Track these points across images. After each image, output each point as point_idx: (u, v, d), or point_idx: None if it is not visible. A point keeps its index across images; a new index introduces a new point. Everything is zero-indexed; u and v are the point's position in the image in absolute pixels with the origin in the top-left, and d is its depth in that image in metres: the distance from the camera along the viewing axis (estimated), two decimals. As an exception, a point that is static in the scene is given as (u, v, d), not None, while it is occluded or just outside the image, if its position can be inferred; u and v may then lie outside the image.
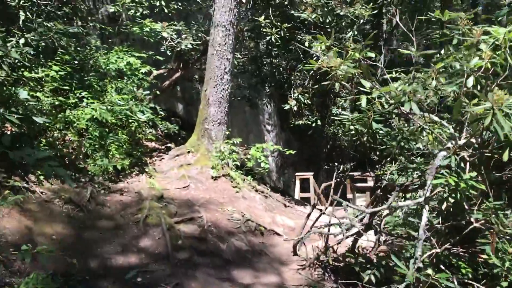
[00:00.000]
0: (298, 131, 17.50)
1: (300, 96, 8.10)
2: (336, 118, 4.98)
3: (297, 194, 14.21)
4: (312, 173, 14.39)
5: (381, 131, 4.30)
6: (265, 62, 9.27)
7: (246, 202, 6.70)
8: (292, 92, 8.38)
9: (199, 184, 6.81)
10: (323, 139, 19.14)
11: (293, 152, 7.70)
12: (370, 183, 12.57)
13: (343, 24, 7.91)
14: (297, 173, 14.75)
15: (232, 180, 7.19)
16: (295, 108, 8.12)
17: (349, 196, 13.96)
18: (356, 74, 3.88)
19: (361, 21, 8.11)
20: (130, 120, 6.40)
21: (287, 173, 17.10)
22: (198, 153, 7.69)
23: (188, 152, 7.76)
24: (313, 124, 10.17)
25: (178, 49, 9.19)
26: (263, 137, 15.46)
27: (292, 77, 8.65)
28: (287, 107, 8.19)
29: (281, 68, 8.91)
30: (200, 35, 9.26)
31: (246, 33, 9.20)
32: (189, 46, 8.83)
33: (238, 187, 7.04)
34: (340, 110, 9.84)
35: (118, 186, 6.00)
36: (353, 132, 4.35)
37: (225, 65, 7.73)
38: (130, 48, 7.69)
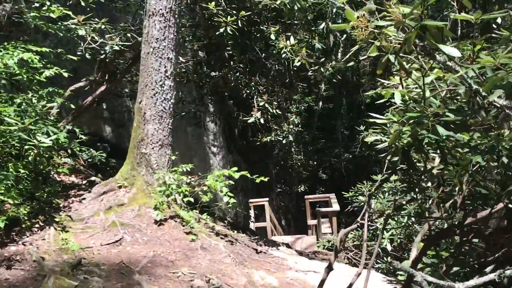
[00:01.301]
0: (245, 152, 15.74)
1: (267, 105, 6.32)
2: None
3: (253, 225, 12.33)
4: (267, 199, 12.60)
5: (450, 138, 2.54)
6: (215, 66, 7.40)
7: (208, 255, 4.70)
8: (255, 101, 6.57)
9: (138, 234, 4.72)
10: (272, 160, 17.53)
11: (265, 179, 5.84)
12: (335, 205, 10.93)
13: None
14: (250, 200, 12.89)
15: (183, 223, 5.17)
16: (262, 121, 6.33)
17: (310, 222, 12.29)
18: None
19: None
20: (27, 146, 4.21)
21: (238, 201, 15.18)
22: (133, 187, 5.60)
23: (120, 187, 5.64)
24: (284, 141, 8.40)
25: (102, 54, 7.10)
26: (208, 161, 13.49)
27: (253, 83, 6.89)
28: (251, 119, 6.38)
29: (238, 73, 7.10)
30: (129, 35, 7.24)
31: (189, 29, 7.31)
32: (116, 47, 6.77)
33: (193, 233, 5.02)
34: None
35: (5, 251, 3.78)
36: (401, 143, 2.58)
37: (165, 67, 5.75)
38: (25, 42, 5.44)
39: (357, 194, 9.27)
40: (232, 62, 7.05)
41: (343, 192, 9.67)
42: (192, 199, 5.33)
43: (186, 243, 4.82)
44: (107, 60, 7.49)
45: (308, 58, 5.81)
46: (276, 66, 7.28)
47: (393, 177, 8.91)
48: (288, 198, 16.69)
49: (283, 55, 5.70)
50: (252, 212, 12.32)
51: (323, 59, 6.25)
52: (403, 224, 7.19)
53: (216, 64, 7.42)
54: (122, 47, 6.87)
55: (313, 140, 20.78)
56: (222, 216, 8.63)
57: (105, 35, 7.15)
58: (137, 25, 7.67)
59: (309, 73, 7.23)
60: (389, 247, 6.95)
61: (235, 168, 5.42)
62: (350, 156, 21.99)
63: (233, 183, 13.39)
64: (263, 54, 6.69)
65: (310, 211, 12.18)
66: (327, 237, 10.48)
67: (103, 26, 6.82)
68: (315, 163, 21.46)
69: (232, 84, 7.19)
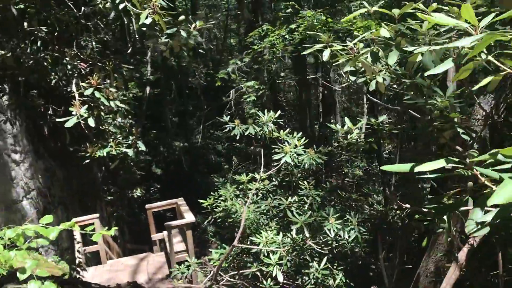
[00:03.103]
0: (60, 154, 12.40)
1: (98, 94, 3.81)
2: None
3: (81, 250, 9.45)
4: (96, 215, 9.84)
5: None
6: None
7: None
8: (74, 88, 3.98)
9: None
10: (97, 161, 14.43)
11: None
12: (187, 214, 8.83)
13: None
14: (75, 220, 9.91)
15: None
16: (92, 122, 3.82)
17: (155, 236, 9.99)
18: None
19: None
20: None
21: (56, 219, 11.83)
22: None
23: None
24: (131, 153, 5.92)
25: None
26: (9, 173, 9.94)
27: (68, 58, 4.25)
28: (70, 122, 3.80)
29: (38, 43, 4.33)
30: None
31: None
32: None
33: None
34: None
35: None
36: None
37: None
38: None
39: (221, 200, 7.36)
40: (26, 25, 4.26)
41: (200, 200, 7.63)
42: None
43: None
44: None
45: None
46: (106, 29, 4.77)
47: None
48: (121, 206, 13.93)
49: (120, 6, 3.35)
50: (77, 235, 9.42)
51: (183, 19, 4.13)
52: (292, 241, 5.56)
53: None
54: None
55: (143, 131, 18.17)
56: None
57: None
58: None
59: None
60: (280, 277, 5.16)
61: (49, 219, 2.84)
62: (185, 145, 20.07)
63: (25, 197, 10.16)
64: (84, 9, 4.11)
65: (154, 223, 9.86)
66: (182, 257, 8.37)
67: None
68: (147, 157, 18.92)
69: (31, 62, 4.44)
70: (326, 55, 2.88)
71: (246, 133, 5.82)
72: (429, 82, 2.97)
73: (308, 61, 14.85)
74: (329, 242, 5.33)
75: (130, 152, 6.41)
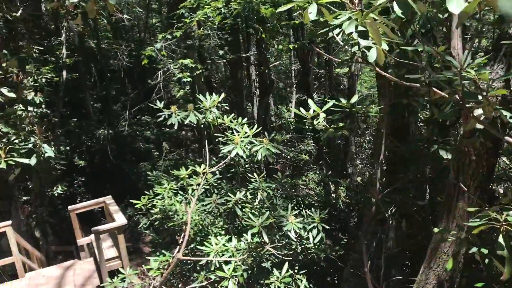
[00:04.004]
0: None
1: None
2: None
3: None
4: (8, 223, 8.38)
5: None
6: None
7: None
8: None
9: None
10: (7, 156, 12.59)
11: None
12: (118, 216, 7.68)
13: None
14: (-20, 230, 8.36)
15: None
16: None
17: (82, 241, 8.76)
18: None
19: None
20: None
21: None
22: None
23: None
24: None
25: None
26: None
27: None
28: None
29: None
30: None
31: None
32: None
33: None
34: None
35: None
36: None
37: None
38: None
39: (157, 199, 6.34)
40: None
41: (133, 201, 6.58)
42: None
43: None
44: None
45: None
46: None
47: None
48: (41, 205, 12.31)
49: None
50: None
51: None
52: (247, 247, 4.71)
53: None
54: None
55: (61, 120, 16.30)
56: None
57: None
58: None
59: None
60: (235, 291, 4.35)
61: None
62: (109, 132, 18.40)
63: None
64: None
65: (80, 226, 8.60)
66: (114, 265, 7.29)
67: None
68: (67, 148, 17.11)
69: None
70: (312, 11, 2.04)
71: (186, 121, 4.85)
72: (442, 47, 2.23)
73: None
74: (292, 247, 4.56)
75: (31, 160, 5.13)
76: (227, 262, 4.59)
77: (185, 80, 8.78)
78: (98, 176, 17.20)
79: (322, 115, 3.89)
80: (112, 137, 18.21)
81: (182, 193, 6.65)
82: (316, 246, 4.60)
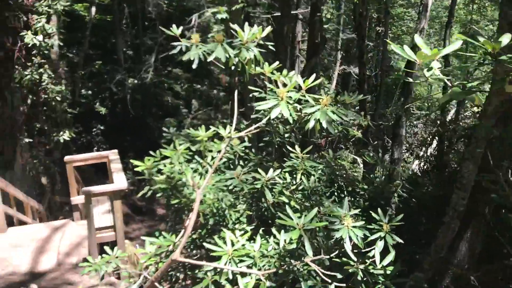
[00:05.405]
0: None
1: None
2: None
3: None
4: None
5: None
6: None
7: None
8: None
9: None
10: (16, 94, 11.34)
11: None
12: (118, 178, 6.23)
13: None
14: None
15: None
16: None
17: (76, 199, 7.44)
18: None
19: None
20: None
21: None
22: None
23: None
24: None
25: None
26: None
27: None
28: None
29: None
30: None
31: None
32: None
33: None
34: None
35: None
36: None
37: None
38: None
39: (164, 163, 4.83)
40: None
41: (133, 161, 5.08)
42: None
43: None
44: None
45: None
46: None
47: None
48: (46, 153, 11.12)
49: None
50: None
51: None
52: (278, 254, 3.17)
53: None
54: None
55: (85, 60, 14.97)
56: None
57: None
58: None
59: None
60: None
61: None
62: (138, 82, 17.02)
63: None
64: None
65: (77, 184, 7.27)
66: (108, 236, 5.93)
67: None
68: (89, 92, 15.88)
69: None
70: None
71: (211, 58, 3.24)
72: None
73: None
74: (349, 269, 2.99)
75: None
76: (244, 273, 3.07)
77: (219, 16, 7.16)
78: (119, 127, 15.99)
79: (437, 64, 2.24)
80: (139, 86, 16.88)
81: (198, 159, 5.08)
82: (385, 273, 3.00)
